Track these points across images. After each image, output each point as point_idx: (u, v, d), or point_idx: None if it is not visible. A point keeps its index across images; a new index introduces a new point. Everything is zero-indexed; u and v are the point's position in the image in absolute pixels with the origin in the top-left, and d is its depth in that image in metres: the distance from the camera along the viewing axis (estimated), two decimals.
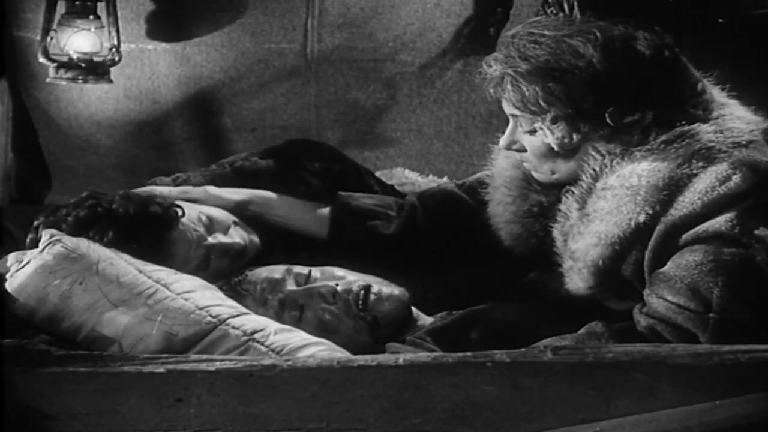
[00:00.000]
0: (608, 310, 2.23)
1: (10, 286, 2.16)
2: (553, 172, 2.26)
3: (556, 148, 2.20)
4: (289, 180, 2.66)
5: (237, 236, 2.44)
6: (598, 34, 2.15)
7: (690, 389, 1.81)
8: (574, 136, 2.18)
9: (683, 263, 2.04)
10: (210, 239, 2.38)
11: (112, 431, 1.79)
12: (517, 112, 2.20)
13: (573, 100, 2.13)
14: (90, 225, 2.26)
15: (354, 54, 3.24)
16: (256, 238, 2.49)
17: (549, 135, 2.19)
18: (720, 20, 3.12)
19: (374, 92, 3.26)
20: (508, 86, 2.18)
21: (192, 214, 2.39)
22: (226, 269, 2.40)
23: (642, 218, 2.08)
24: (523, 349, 1.86)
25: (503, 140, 2.27)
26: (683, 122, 2.13)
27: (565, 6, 2.94)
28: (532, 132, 2.21)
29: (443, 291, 2.49)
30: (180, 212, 2.34)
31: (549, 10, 3.00)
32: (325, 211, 2.55)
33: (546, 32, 2.16)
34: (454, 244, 2.54)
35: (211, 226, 2.41)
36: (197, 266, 2.35)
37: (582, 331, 2.09)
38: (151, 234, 2.29)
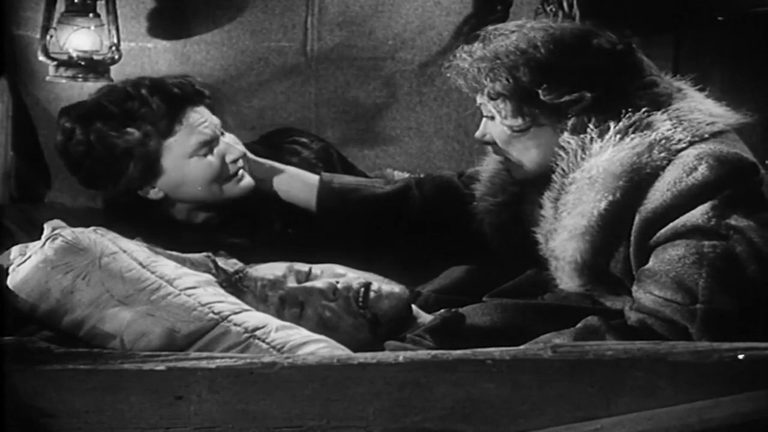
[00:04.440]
0: (604, 307, 2.25)
1: (12, 279, 2.16)
2: (520, 164, 2.32)
3: (507, 131, 2.27)
4: (283, 155, 2.81)
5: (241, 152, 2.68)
6: (554, 26, 2.24)
7: (690, 387, 1.81)
8: (519, 119, 2.24)
9: (666, 258, 2.08)
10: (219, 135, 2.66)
11: (113, 429, 1.79)
12: (464, 89, 2.29)
13: (514, 77, 2.20)
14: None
15: (354, 52, 3.24)
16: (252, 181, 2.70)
17: (497, 115, 2.27)
18: (719, 18, 3.12)
19: (374, 90, 3.26)
20: (462, 70, 2.27)
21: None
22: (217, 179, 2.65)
23: (603, 205, 2.13)
24: (522, 347, 1.87)
25: (477, 132, 2.37)
26: (630, 110, 2.17)
27: (564, 4, 2.95)
28: (492, 118, 2.30)
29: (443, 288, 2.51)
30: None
31: (548, 9, 3.01)
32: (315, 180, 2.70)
33: (513, 27, 2.27)
34: (444, 231, 2.63)
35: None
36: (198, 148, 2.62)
37: (579, 325, 2.12)
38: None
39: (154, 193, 2.68)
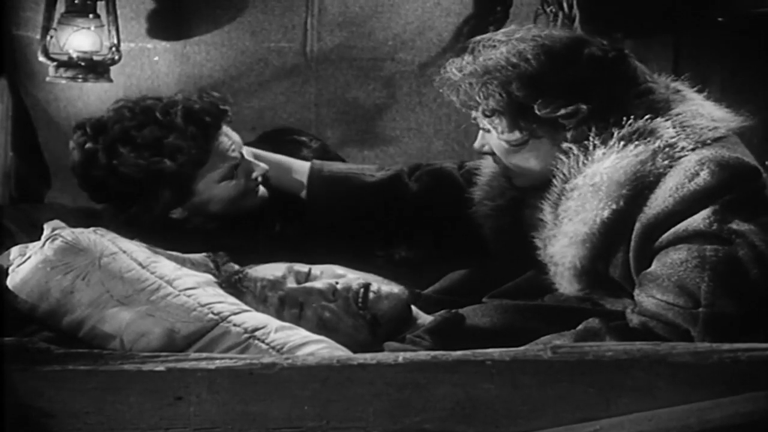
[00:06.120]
0: (604, 308, 2.25)
1: (12, 280, 2.16)
2: (521, 173, 2.31)
3: (505, 144, 2.26)
4: (281, 153, 2.77)
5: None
6: (543, 36, 2.20)
7: (689, 387, 1.81)
8: (517, 133, 2.23)
9: (669, 262, 2.08)
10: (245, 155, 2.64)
11: (112, 429, 1.79)
12: (458, 105, 2.27)
13: (507, 93, 2.18)
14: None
15: (353, 53, 3.24)
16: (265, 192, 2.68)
17: (493, 131, 2.25)
18: (719, 19, 3.12)
19: (374, 91, 3.26)
20: (453, 85, 2.25)
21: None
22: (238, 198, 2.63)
23: (606, 213, 2.13)
24: (522, 348, 1.87)
25: (476, 143, 2.35)
26: (631, 117, 2.16)
27: (564, 4, 2.95)
28: (488, 131, 2.28)
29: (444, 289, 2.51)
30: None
31: (548, 9, 3.01)
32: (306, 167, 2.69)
33: (502, 37, 2.23)
34: (439, 223, 2.62)
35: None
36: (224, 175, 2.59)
37: (580, 327, 2.11)
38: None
39: (180, 213, 2.65)
